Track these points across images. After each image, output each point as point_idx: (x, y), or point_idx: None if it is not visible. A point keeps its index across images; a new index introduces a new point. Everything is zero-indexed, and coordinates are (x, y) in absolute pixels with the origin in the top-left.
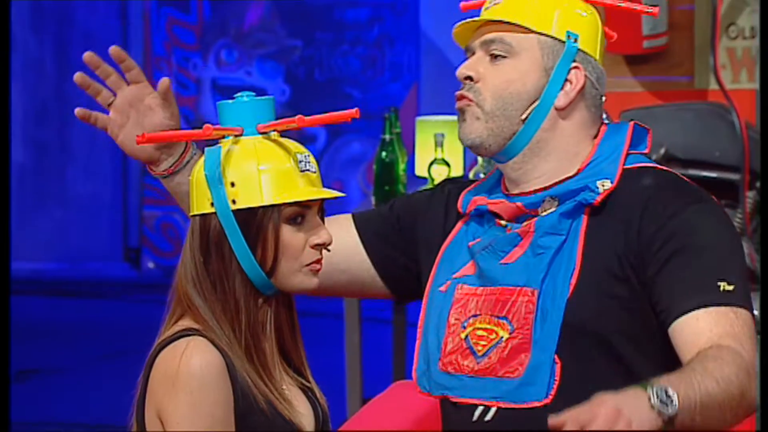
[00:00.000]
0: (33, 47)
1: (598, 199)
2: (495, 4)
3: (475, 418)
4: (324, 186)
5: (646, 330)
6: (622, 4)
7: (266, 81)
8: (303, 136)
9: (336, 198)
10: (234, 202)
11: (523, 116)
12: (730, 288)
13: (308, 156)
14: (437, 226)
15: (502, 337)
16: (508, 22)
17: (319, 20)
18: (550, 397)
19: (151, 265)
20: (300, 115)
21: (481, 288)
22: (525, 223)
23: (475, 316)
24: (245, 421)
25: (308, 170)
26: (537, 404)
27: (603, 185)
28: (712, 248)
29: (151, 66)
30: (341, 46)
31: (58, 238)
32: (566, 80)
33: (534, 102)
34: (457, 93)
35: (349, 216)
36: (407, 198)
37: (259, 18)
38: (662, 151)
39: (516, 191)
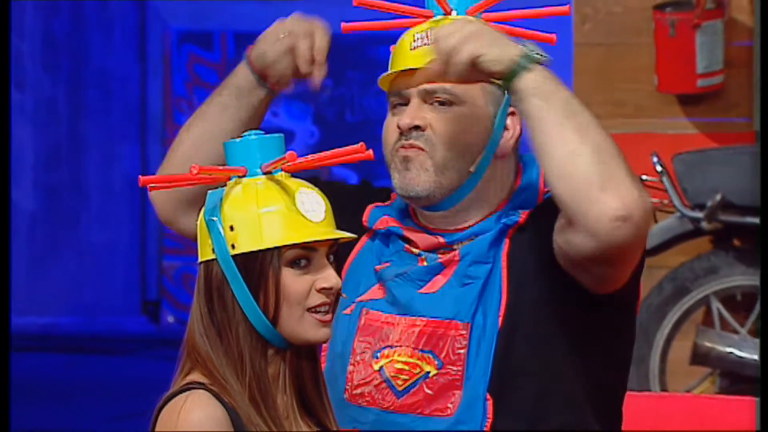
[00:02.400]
0: (45, 85)
1: (522, 218)
2: (424, 44)
3: None
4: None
5: (587, 354)
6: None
7: (294, 122)
8: (333, 178)
9: (348, 240)
10: (233, 246)
11: (472, 168)
12: None
13: (316, 195)
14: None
15: (428, 372)
16: None
17: (349, 58)
18: None
19: (170, 319)
20: (311, 155)
21: (398, 317)
22: (445, 253)
23: (391, 347)
24: None
25: (314, 210)
26: None
27: (523, 212)
28: None
29: (171, 107)
30: (374, 85)
31: (72, 290)
32: (504, 127)
33: (480, 153)
34: (404, 142)
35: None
36: (332, 188)
37: None
38: (718, 197)
39: (434, 227)
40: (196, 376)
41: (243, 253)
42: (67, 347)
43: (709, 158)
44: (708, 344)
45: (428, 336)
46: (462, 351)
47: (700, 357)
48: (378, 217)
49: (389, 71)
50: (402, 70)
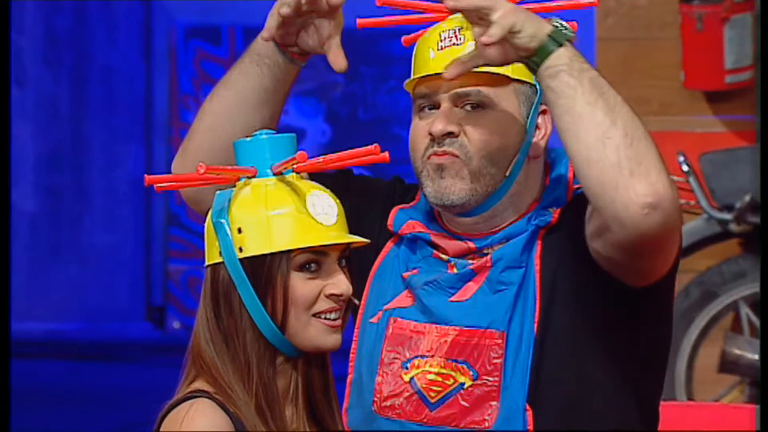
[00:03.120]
0: (47, 83)
1: (554, 218)
2: (453, 45)
3: None
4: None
5: (623, 356)
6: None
7: (305, 120)
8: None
9: (360, 244)
10: (241, 249)
11: (507, 172)
12: None
13: (328, 197)
14: (372, 235)
15: (462, 384)
16: (490, 73)
17: (363, 53)
18: None
19: (176, 325)
20: (323, 156)
21: (429, 326)
22: (475, 258)
23: (422, 357)
24: None
25: (326, 213)
26: None
27: (554, 211)
28: None
29: (177, 105)
30: (388, 81)
31: (74, 295)
32: (536, 126)
33: (515, 155)
34: (437, 150)
35: (345, 182)
36: (365, 183)
37: None
38: (747, 198)
39: (463, 231)
40: (201, 384)
41: (251, 257)
42: (69, 354)
43: (737, 157)
44: (737, 351)
45: (462, 346)
46: (498, 361)
47: (728, 365)
48: (403, 221)
49: (415, 75)
50: (429, 75)
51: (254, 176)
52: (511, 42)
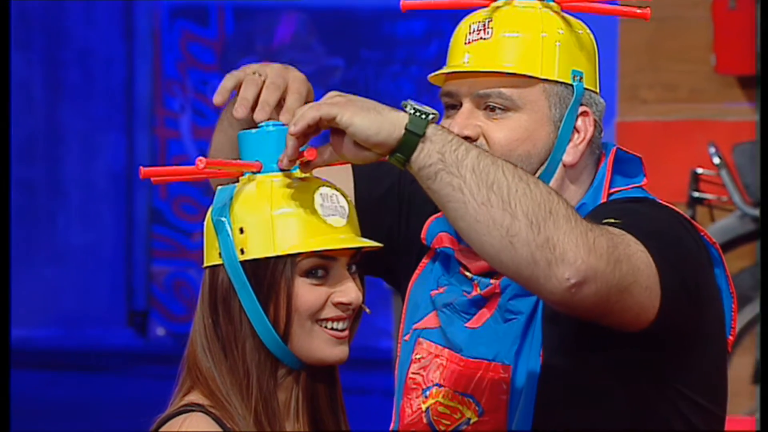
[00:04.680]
0: (19, 67)
1: None
2: (480, 39)
3: None
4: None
5: (631, 395)
6: (605, 6)
7: None
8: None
9: (372, 249)
10: (243, 251)
11: None
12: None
13: (338, 197)
14: (416, 243)
15: (468, 419)
16: (510, 74)
17: (364, 35)
18: None
19: (160, 331)
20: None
21: (447, 352)
22: (494, 279)
23: (438, 386)
24: None
25: (335, 215)
26: None
27: None
28: (637, 217)
29: (161, 91)
30: (391, 66)
31: (49, 299)
32: (574, 129)
33: (543, 163)
34: None
35: (349, 169)
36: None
37: (292, 32)
38: None
39: None
40: (195, 397)
41: (253, 260)
42: (44, 363)
43: None
44: None
45: (468, 378)
46: (504, 397)
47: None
48: (435, 234)
49: (441, 71)
50: (451, 72)
51: (259, 171)
52: (353, 138)
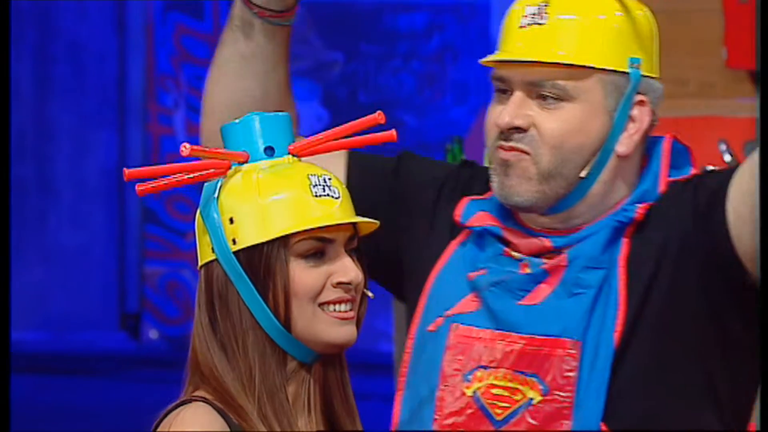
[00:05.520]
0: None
1: (639, 213)
2: (535, 24)
3: None
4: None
5: (717, 375)
6: None
7: (298, 103)
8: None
9: (369, 231)
10: (235, 241)
11: (583, 173)
12: None
13: (329, 179)
14: (440, 229)
15: (531, 399)
16: (572, 65)
17: (363, 29)
18: None
19: (153, 334)
20: (326, 132)
21: (493, 332)
22: (551, 257)
23: (485, 367)
24: None
25: (327, 194)
26: None
27: (640, 206)
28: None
29: (154, 86)
30: (391, 60)
31: (38, 301)
32: (629, 118)
33: (595, 154)
34: (503, 144)
35: (344, 154)
36: (420, 168)
37: None
38: None
39: (540, 228)
40: (201, 393)
41: (246, 248)
42: (33, 367)
43: None
44: None
45: (530, 356)
46: (571, 374)
47: None
48: (473, 212)
49: (492, 56)
50: (503, 60)
51: (246, 161)
52: None
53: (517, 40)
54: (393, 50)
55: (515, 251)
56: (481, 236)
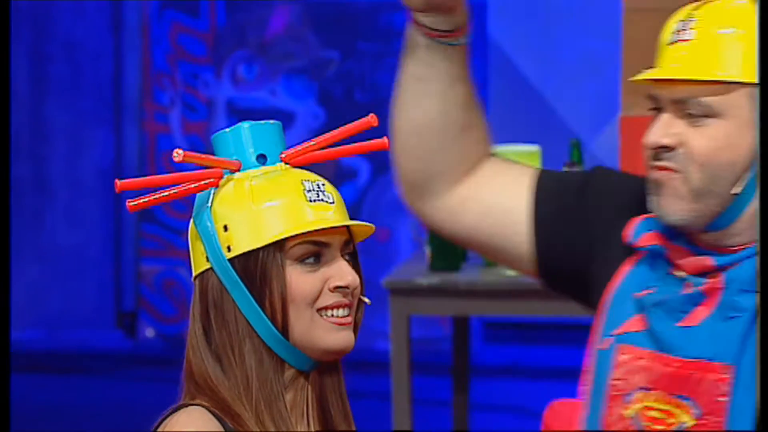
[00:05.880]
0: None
1: None
2: (680, 41)
3: None
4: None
5: None
6: None
7: (294, 102)
8: (340, 172)
9: (367, 237)
10: (229, 249)
11: (734, 190)
12: None
13: (322, 184)
14: (618, 251)
15: (684, 423)
16: (720, 81)
17: (360, 27)
18: None
19: (150, 333)
20: (314, 140)
21: (654, 353)
22: (710, 278)
23: (645, 389)
24: None
25: (322, 200)
26: None
27: None
28: None
29: (150, 84)
30: (388, 58)
31: (34, 300)
32: None
33: (748, 170)
34: (655, 163)
35: (527, 171)
36: (610, 180)
37: (286, 24)
38: None
39: (706, 245)
40: (198, 401)
41: (241, 255)
42: (29, 366)
43: None
44: None
45: (684, 379)
46: (723, 399)
47: None
48: (642, 232)
49: (647, 73)
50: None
51: (238, 170)
52: None
53: (664, 58)
54: (389, 48)
55: (680, 270)
56: (653, 256)
